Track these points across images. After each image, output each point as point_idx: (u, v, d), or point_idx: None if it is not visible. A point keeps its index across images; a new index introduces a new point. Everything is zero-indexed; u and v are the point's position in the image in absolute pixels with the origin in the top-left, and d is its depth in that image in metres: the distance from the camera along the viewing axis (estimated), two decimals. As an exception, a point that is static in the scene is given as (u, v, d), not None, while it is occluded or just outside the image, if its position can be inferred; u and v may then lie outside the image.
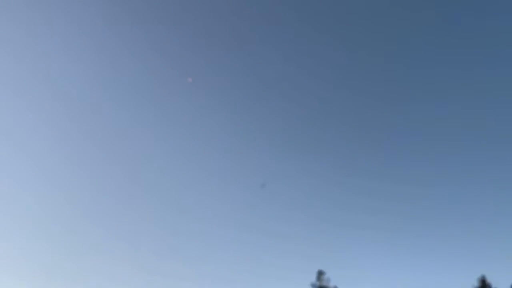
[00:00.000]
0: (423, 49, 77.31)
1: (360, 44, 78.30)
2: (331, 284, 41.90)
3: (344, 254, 59.72)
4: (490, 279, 40.51)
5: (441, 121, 76.01)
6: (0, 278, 49.76)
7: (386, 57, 79.39)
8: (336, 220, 66.30)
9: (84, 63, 71.94)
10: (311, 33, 76.59)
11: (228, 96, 79.99)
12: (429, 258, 59.20)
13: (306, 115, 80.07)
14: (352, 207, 67.74)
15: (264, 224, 66.55)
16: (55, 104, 72.61)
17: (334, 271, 44.18)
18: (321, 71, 79.69)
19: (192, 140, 76.63)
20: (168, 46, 74.95)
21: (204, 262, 61.28)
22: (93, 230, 64.26)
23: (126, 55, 73.32)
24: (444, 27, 74.98)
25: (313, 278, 42.10)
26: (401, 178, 72.01)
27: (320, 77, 79.51)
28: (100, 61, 73.34)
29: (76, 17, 68.77)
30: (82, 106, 73.02)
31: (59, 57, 71.37)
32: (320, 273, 42.07)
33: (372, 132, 77.45)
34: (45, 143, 71.54)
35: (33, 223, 62.27)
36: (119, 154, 75.63)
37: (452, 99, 76.74)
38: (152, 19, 72.35)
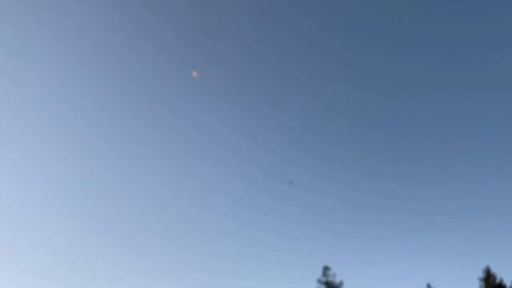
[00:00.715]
0: (433, 50, 77.58)
1: (373, 44, 78.54)
2: (337, 278, 42.29)
3: (351, 251, 60.08)
4: (494, 270, 40.84)
5: (447, 120, 76.41)
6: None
7: (397, 58, 79.64)
8: (342, 218, 66.73)
9: (86, 62, 72.12)
10: (319, 32, 77.02)
11: (235, 96, 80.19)
12: (435, 253, 59.66)
13: (312, 115, 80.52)
14: (359, 205, 68.11)
15: (271, 223, 67.07)
16: (58, 105, 72.95)
17: (341, 267, 44.69)
18: (330, 71, 79.98)
19: (198, 140, 77.12)
20: (176, 47, 75.12)
21: (210, 260, 61.75)
22: (101, 231, 64.89)
23: (130, 55, 73.45)
24: (452, 24, 75.33)
25: (319, 274, 42.54)
26: (407, 177, 72.41)
27: (327, 76, 79.92)
28: (102, 61, 73.79)
29: (77, 16, 69.08)
30: (85, 106, 73.32)
31: (60, 56, 71.67)
32: (326, 269, 42.43)
33: (379, 132, 77.82)
34: (44, 143, 72.05)
35: (30, 225, 62.71)
36: (124, 155, 76.11)
37: (457, 98, 77.15)
38: (155, 18, 72.55)
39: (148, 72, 73.71)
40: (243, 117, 77.97)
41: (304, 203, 69.78)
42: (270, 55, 78.51)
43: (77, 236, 61.18)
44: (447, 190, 68.82)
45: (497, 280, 40.14)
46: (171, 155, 77.62)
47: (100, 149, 74.99)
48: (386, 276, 54.67)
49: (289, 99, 79.98)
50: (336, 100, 79.93)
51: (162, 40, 72.97)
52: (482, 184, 68.72)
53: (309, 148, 77.94)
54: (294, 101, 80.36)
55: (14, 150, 68.85)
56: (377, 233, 62.83)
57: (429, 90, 77.24)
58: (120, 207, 70.68)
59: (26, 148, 69.96)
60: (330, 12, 75.69)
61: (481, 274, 40.81)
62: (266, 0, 74.35)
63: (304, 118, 79.55)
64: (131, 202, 71.39)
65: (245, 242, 64.87)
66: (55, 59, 70.75)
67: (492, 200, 65.90)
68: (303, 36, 77.06)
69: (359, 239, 62.08)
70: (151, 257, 62.34)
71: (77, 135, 73.12)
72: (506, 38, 71.02)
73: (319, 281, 42.14)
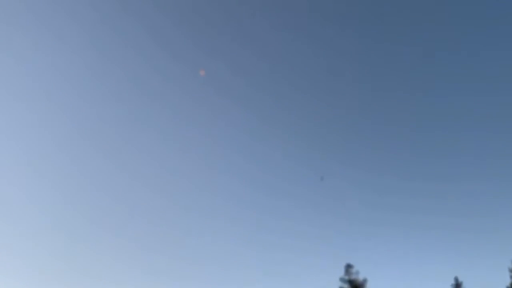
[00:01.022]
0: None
1: (379, 40, 77.19)
2: (360, 276, 40.92)
3: (372, 251, 58.91)
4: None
5: (458, 117, 75.21)
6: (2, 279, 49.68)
7: (399, 57, 78.29)
8: (362, 218, 65.64)
9: (89, 61, 71.51)
10: (326, 25, 75.85)
11: (236, 91, 79.04)
12: (463, 247, 58.73)
13: (318, 113, 79.41)
14: (377, 205, 67.05)
15: (290, 225, 66.17)
16: (60, 103, 72.48)
17: (363, 267, 43.40)
18: (338, 68, 78.78)
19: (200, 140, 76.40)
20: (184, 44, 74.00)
21: (226, 264, 60.86)
22: (106, 232, 64.11)
23: (134, 53, 72.43)
24: (460, 21, 73.86)
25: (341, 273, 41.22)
26: (426, 175, 71.31)
27: (334, 73, 78.72)
28: (106, 60, 73.14)
29: (82, 13, 68.37)
30: (90, 105, 72.85)
31: (63, 55, 71.06)
32: (349, 267, 41.06)
33: (389, 131, 76.62)
34: (47, 143, 71.30)
35: (35, 224, 62.11)
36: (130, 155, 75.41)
37: (467, 97, 75.94)
38: (160, 15, 71.58)
39: (152, 71, 73.00)
40: (246, 116, 77.04)
41: (323, 204, 68.90)
42: (277, 52, 77.49)
43: (76, 237, 60.73)
44: (464, 188, 67.78)
45: (528, 271, 38.62)
46: (172, 155, 76.89)
47: (102, 148, 74.52)
48: (411, 274, 53.53)
49: (297, 96, 78.94)
50: (343, 101, 79.00)
51: (166, 37, 72.15)
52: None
53: (318, 149, 76.92)
54: (302, 98, 79.34)
55: (17, 148, 68.24)
56: (399, 232, 61.83)
57: (438, 89, 76.03)
58: (125, 207, 70.08)
59: (29, 146, 69.40)
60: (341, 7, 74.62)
61: (511, 265, 39.32)
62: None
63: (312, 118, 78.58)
64: (136, 202, 70.74)
65: (263, 245, 63.98)
66: (57, 57, 70.24)
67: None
68: (309, 29, 75.99)
69: (381, 238, 61.00)
70: (166, 258, 61.55)
71: (79, 133, 72.54)
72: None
73: (342, 279, 40.80)
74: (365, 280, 41.00)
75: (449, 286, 41.11)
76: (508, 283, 39.32)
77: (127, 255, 61.69)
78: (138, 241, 64.19)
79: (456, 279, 40.81)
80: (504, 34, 71.66)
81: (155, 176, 74.07)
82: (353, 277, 40.88)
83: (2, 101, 67.03)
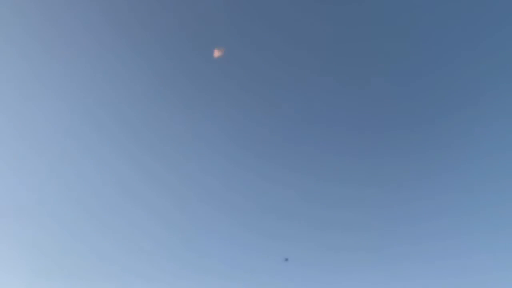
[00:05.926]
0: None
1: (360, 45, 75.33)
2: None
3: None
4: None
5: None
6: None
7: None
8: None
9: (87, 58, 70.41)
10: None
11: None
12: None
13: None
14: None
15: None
16: (59, 101, 71.57)
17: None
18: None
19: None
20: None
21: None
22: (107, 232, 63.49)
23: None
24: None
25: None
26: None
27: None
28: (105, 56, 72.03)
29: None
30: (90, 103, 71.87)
31: (61, 52, 69.97)
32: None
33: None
34: (47, 140, 69.81)
35: (34, 221, 61.80)
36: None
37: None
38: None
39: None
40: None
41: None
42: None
43: (72, 239, 60.03)
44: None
45: None
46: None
47: (101, 149, 73.74)
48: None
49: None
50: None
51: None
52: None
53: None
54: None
55: (19, 146, 67.86)
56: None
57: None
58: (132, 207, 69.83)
59: (31, 144, 69.00)
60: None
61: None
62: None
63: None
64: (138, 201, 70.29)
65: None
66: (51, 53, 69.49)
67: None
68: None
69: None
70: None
71: (77, 133, 71.73)
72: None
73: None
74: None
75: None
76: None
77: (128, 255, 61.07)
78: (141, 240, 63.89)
79: None
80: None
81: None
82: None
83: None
